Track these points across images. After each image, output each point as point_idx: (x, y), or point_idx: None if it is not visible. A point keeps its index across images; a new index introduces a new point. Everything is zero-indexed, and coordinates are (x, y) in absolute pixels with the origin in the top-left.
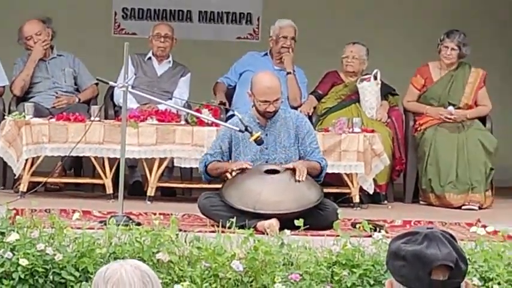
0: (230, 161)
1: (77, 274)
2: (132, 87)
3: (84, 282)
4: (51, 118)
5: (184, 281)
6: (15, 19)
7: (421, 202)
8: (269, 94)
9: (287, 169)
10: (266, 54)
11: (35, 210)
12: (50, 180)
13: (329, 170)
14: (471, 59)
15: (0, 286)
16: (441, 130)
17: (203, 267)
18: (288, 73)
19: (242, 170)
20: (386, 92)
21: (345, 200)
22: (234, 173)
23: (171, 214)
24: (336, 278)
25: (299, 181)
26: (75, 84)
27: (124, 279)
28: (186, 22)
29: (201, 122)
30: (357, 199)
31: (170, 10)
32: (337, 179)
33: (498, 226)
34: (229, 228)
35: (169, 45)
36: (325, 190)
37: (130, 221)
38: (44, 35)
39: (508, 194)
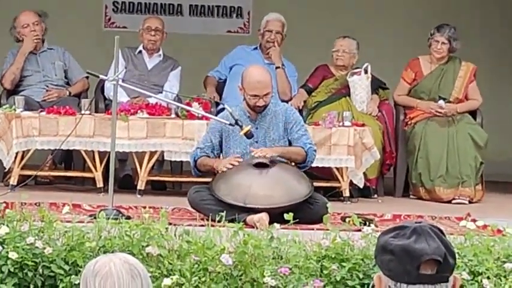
0: (221, 154)
1: (67, 268)
2: (123, 81)
3: (73, 276)
4: (41, 111)
5: (174, 274)
6: (5, 12)
7: (411, 196)
8: (259, 88)
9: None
10: (256, 48)
11: (25, 203)
12: (40, 173)
13: (319, 164)
14: (461, 53)
15: None
16: (431, 124)
17: (193, 261)
18: (277, 67)
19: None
20: (377, 86)
21: (334, 194)
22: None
23: (161, 208)
24: (325, 271)
25: (266, 161)
26: (66, 77)
27: (113, 273)
28: (176, 16)
29: (191, 116)
30: (346, 193)
31: (161, 3)
32: (327, 173)
33: (488, 220)
34: (219, 222)
35: (159, 38)
36: (315, 184)
37: (120, 215)
38: (40, 28)
39: (498, 188)
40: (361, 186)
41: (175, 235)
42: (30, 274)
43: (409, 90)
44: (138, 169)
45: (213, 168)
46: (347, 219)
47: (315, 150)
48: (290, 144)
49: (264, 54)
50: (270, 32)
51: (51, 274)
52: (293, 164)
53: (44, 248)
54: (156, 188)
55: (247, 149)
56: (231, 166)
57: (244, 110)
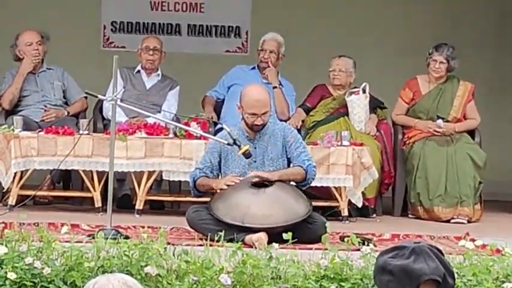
0: (220, 174)
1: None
2: (121, 101)
3: None
4: (40, 131)
5: None
6: (5, 33)
7: (410, 216)
8: (257, 107)
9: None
10: (254, 68)
11: (24, 223)
12: (39, 193)
13: (317, 183)
14: (459, 72)
15: None
16: (430, 144)
17: (191, 281)
18: (274, 87)
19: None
20: (375, 105)
21: (333, 214)
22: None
23: (160, 227)
24: None
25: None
26: (64, 97)
27: None
28: (175, 35)
29: (189, 135)
30: (345, 212)
31: (159, 23)
32: (325, 192)
33: (487, 240)
34: (218, 241)
35: (158, 58)
36: (314, 203)
37: (119, 235)
38: (42, 48)
39: (497, 207)
40: (360, 205)
41: (173, 255)
42: None
43: (407, 110)
44: (137, 189)
45: (213, 188)
46: (346, 239)
47: (315, 167)
48: (289, 162)
49: (261, 73)
50: (264, 51)
51: None
52: (293, 183)
53: (43, 268)
54: (154, 207)
55: (246, 168)
56: (231, 183)
57: (243, 130)
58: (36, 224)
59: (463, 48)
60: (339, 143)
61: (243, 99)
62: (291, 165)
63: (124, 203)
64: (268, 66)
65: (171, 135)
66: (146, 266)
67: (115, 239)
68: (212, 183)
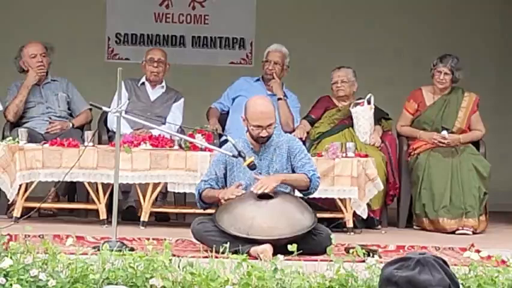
0: (226, 186)
1: None
2: (126, 113)
3: None
4: (44, 143)
5: None
6: (11, 45)
7: (415, 227)
8: (262, 119)
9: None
10: (259, 79)
11: (29, 235)
12: (44, 205)
13: (322, 195)
14: (464, 83)
15: None
16: (435, 155)
17: None
18: (279, 99)
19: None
20: (380, 117)
21: (338, 225)
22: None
23: (165, 239)
24: None
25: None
26: (69, 109)
27: None
28: (179, 47)
29: (194, 147)
30: (350, 224)
31: (163, 35)
32: (330, 204)
33: (492, 251)
34: (223, 253)
35: (162, 70)
36: (319, 215)
37: (124, 247)
38: (46, 60)
39: (502, 218)
40: (365, 217)
41: (179, 267)
42: None
43: (412, 121)
44: (142, 201)
45: (218, 199)
46: (351, 250)
47: (319, 177)
48: (293, 173)
49: (266, 85)
50: (269, 62)
51: None
52: (297, 192)
53: (48, 280)
54: (159, 219)
55: (251, 180)
56: (237, 193)
57: (248, 142)
58: (41, 236)
59: (467, 59)
60: (344, 155)
61: (248, 111)
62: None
63: (129, 215)
64: (273, 78)
65: (176, 147)
66: (151, 278)
67: (120, 251)
68: (218, 194)
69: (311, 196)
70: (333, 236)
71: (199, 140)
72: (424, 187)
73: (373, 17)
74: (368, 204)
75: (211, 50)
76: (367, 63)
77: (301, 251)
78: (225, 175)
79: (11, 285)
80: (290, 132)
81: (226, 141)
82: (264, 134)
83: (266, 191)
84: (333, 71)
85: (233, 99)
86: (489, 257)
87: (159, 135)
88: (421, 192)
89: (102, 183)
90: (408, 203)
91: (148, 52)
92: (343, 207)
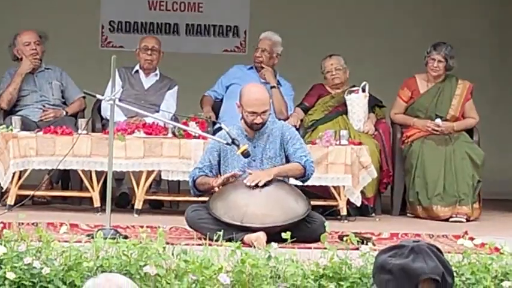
0: (220, 174)
1: (64, 287)
2: (119, 100)
3: None
4: (38, 131)
5: None
6: (4, 33)
7: (409, 214)
8: (257, 105)
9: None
10: (252, 67)
11: (22, 223)
12: (38, 193)
13: (316, 183)
14: (458, 71)
15: None
16: (428, 142)
17: (190, 280)
18: (272, 87)
19: (229, 179)
20: (374, 104)
21: (332, 213)
22: (220, 187)
23: (159, 227)
24: None
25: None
26: (63, 97)
27: None
28: (173, 35)
29: (188, 135)
30: (344, 212)
31: (157, 23)
32: (324, 192)
33: (485, 238)
34: (217, 241)
35: (156, 58)
36: (313, 203)
37: (118, 234)
38: (40, 48)
39: (496, 206)
40: (359, 204)
41: (172, 254)
42: None
43: (406, 109)
44: (135, 188)
45: (212, 186)
46: (344, 238)
47: (312, 162)
48: (287, 160)
49: (259, 73)
50: (257, 49)
51: None
52: (293, 180)
53: (42, 268)
54: (153, 207)
55: (245, 167)
56: (231, 180)
57: (242, 129)
58: (35, 224)
59: (461, 47)
60: (338, 142)
61: (243, 98)
62: (291, 160)
63: (122, 201)
64: (261, 65)
65: (169, 135)
66: (145, 265)
67: (114, 238)
68: (212, 181)
69: (305, 184)
70: (326, 223)
71: (193, 127)
72: (417, 175)
73: (368, 3)
74: (362, 192)
75: (205, 38)
76: (362, 49)
77: (295, 239)
78: (218, 162)
79: (4, 273)
80: (284, 120)
81: (220, 129)
82: (258, 120)
83: (260, 184)
84: (324, 60)
85: (227, 87)
86: (483, 244)
87: (153, 123)
88: (414, 180)
89: (96, 171)
90: (402, 190)
91: (142, 40)
92: (337, 195)
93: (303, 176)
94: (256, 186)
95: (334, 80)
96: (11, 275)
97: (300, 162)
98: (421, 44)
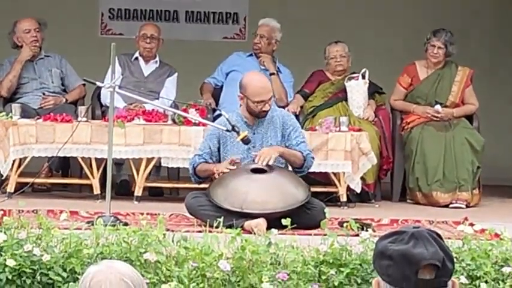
0: (219, 160)
1: (65, 275)
2: (119, 88)
3: (71, 283)
4: (38, 119)
5: (172, 281)
6: (3, 21)
7: (409, 201)
8: (264, 94)
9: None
10: (251, 54)
11: (22, 210)
12: (38, 180)
13: (316, 169)
14: (457, 58)
15: None
16: (428, 129)
17: (190, 267)
18: (271, 74)
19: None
20: (373, 91)
21: (332, 199)
22: (220, 174)
23: (159, 214)
24: (323, 277)
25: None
26: (62, 84)
27: None
28: (172, 22)
29: (188, 122)
30: (344, 198)
31: (157, 10)
32: (324, 178)
33: (485, 224)
34: (217, 227)
35: (155, 45)
36: (313, 189)
37: (118, 221)
38: (40, 35)
39: (495, 192)
40: (359, 191)
41: (173, 241)
42: (28, 281)
43: (406, 95)
44: (135, 175)
45: (213, 172)
46: (345, 224)
47: (313, 158)
48: None
49: (258, 60)
50: (255, 36)
51: (49, 281)
52: (290, 168)
53: (42, 255)
54: (153, 194)
55: (245, 154)
56: (232, 167)
57: (242, 116)
58: (35, 211)
59: (461, 33)
60: (338, 129)
61: (247, 89)
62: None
63: (122, 189)
64: (259, 51)
65: (169, 122)
66: (145, 252)
67: (114, 225)
68: (213, 167)
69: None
70: (326, 210)
71: (192, 114)
72: (417, 161)
73: None
74: (362, 178)
75: (205, 25)
76: (362, 36)
77: (295, 225)
78: (218, 149)
79: (5, 260)
80: (284, 107)
81: (219, 115)
82: (266, 108)
83: (270, 162)
84: (330, 46)
85: (226, 74)
86: (482, 230)
87: (153, 110)
88: (414, 166)
89: (96, 158)
90: (402, 177)
91: (141, 28)
92: (336, 181)
93: (301, 167)
94: (257, 171)
95: (337, 67)
96: (11, 262)
97: (302, 153)
98: (421, 31)
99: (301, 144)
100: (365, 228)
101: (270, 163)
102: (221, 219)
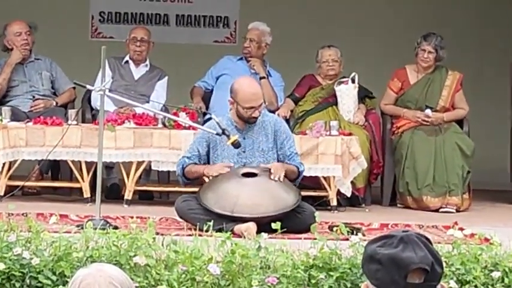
0: (207, 164)
1: (54, 278)
2: (109, 91)
3: (61, 287)
4: (28, 122)
5: (161, 284)
6: None
7: (399, 205)
8: (255, 100)
9: (265, 169)
10: (241, 58)
11: (12, 214)
12: (27, 184)
13: (306, 173)
14: (447, 62)
15: None
16: (418, 133)
17: (180, 271)
18: (261, 78)
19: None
20: (364, 95)
21: (322, 203)
22: (210, 177)
23: (149, 217)
24: (313, 281)
25: (274, 180)
26: (53, 88)
27: None
28: (163, 26)
29: (178, 126)
30: (334, 202)
31: (147, 14)
32: (314, 182)
33: (475, 229)
34: (207, 231)
35: (145, 49)
36: (303, 193)
37: (108, 225)
38: (31, 38)
39: (485, 196)
40: (349, 195)
41: (162, 245)
42: (17, 285)
43: (396, 100)
44: (125, 179)
45: (203, 174)
46: (334, 228)
47: (304, 170)
48: (278, 156)
49: (248, 64)
50: (245, 39)
51: (39, 285)
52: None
53: (31, 259)
54: (143, 197)
55: (235, 159)
56: (222, 171)
57: (232, 120)
58: (25, 214)
59: (451, 38)
60: (328, 133)
61: (238, 95)
62: (285, 161)
63: (112, 193)
64: (249, 55)
65: (159, 126)
66: (135, 256)
67: (104, 229)
68: (203, 169)
69: None
70: (316, 214)
71: (183, 118)
72: (407, 165)
73: None
74: (352, 183)
75: (195, 28)
76: (352, 40)
77: (285, 229)
78: (207, 153)
79: None
80: (274, 111)
81: (210, 119)
82: (256, 114)
83: (281, 179)
84: (322, 49)
85: (217, 78)
86: (472, 235)
87: (143, 113)
88: (404, 171)
89: (86, 162)
90: (392, 181)
91: (131, 31)
92: (327, 186)
93: (293, 181)
94: (247, 175)
95: (329, 71)
96: (0, 266)
97: (298, 168)
98: (411, 35)
99: (295, 156)
100: (355, 233)
101: (281, 179)
102: (211, 223)
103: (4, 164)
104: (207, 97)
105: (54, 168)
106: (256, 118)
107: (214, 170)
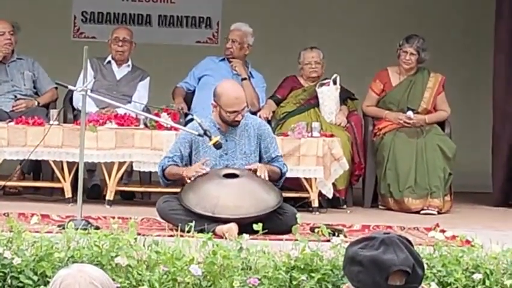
0: (190, 165)
1: (35, 278)
2: (91, 91)
3: (42, 287)
4: (10, 122)
5: (143, 285)
6: None
7: (380, 207)
8: (238, 104)
9: (249, 170)
10: (224, 59)
11: None
12: (9, 184)
13: (288, 175)
14: (429, 64)
15: None
16: (400, 135)
17: (161, 272)
18: (243, 79)
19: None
20: (346, 97)
21: (304, 205)
22: (192, 179)
23: (130, 218)
24: (295, 282)
25: (259, 177)
26: (35, 87)
27: None
28: (145, 26)
29: (160, 126)
30: (315, 203)
31: (130, 14)
32: (296, 184)
33: (456, 231)
34: (188, 232)
35: (127, 49)
36: (284, 194)
37: (89, 225)
38: (14, 38)
39: (467, 199)
40: (330, 196)
41: (144, 245)
42: None
43: (378, 101)
44: (107, 179)
45: (182, 176)
46: (316, 230)
47: (287, 171)
48: (260, 159)
49: (230, 65)
50: (228, 40)
51: (20, 285)
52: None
53: (13, 259)
54: (125, 198)
55: (217, 160)
56: (201, 172)
57: (214, 122)
58: (6, 214)
59: (433, 40)
60: (310, 134)
61: (221, 99)
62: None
63: (94, 193)
64: (231, 56)
65: (141, 126)
66: (116, 256)
67: (85, 229)
68: (182, 171)
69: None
70: (298, 215)
71: (164, 119)
72: (389, 167)
73: None
74: (333, 184)
75: (178, 29)
76: (334, 41)
77: (266, 230)
78: (189, 154)
79: None
80: (255, 112)
81: (191, 120)
82: (239, 118)
83: (266, 177)
84: (305, 51)
85: (199, 79)
86: (454, 237)
87: (125, 114)
88: (386, 172)
89: (68, 162)
90: (373, 182)
91: (113, 31)
92: (308, 187)
93: (276, 181)
94: (229, 176)
95: (311, 73)
96: None
97: (281, 169)
98: (393, 37)
99: (279, 158)
100: (336, 234)
101: (264, 176)
102: (193, 224)
103: None
104: (189, 98)
105: (36, 168)
106: (239, 121)
107: (192, 170)
